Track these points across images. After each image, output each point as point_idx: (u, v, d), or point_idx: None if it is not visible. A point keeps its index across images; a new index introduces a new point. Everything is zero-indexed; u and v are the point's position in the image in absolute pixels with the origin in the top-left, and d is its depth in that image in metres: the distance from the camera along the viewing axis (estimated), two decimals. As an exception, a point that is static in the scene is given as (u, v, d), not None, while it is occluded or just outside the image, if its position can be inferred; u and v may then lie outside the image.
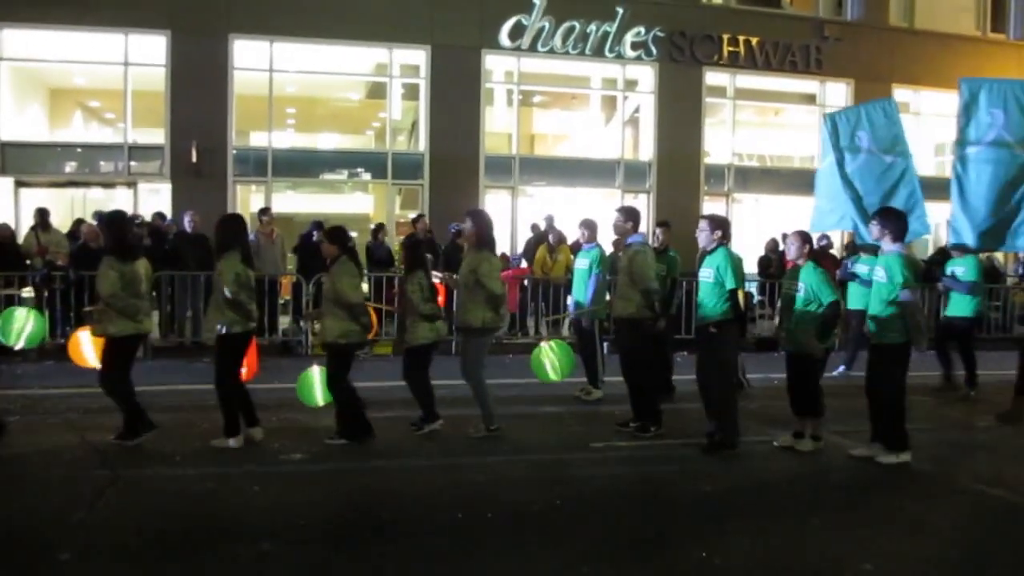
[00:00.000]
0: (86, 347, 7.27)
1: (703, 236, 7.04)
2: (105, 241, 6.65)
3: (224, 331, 6.59)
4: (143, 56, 16.49)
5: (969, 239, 9.41)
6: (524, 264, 14.23)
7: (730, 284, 6.77)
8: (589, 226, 9.05)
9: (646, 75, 19.05)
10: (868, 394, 6.84)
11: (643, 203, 18.96)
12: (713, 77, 19.25)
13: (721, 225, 7.09)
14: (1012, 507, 5.83)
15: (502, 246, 16.44)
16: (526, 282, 13.41)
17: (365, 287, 12.68)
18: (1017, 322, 13.80)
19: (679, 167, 18.84)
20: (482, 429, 7.25)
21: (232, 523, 5.07)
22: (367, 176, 18.83)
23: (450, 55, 17.49)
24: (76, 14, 15.62)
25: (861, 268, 10.26)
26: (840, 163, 10.26)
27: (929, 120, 19.81)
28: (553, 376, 8.21)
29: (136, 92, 16.68)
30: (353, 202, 21.52)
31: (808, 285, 6.82)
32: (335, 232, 7.11)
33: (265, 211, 13.30)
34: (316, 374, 7.26)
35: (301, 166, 18.53)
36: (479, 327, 7.14)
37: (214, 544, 4.70)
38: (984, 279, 10.81)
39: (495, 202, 18.23)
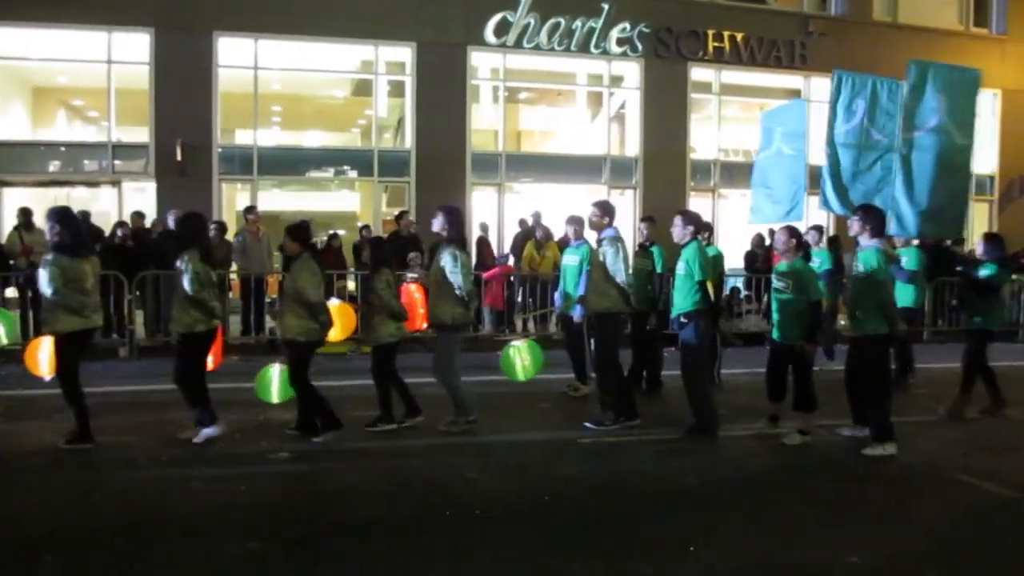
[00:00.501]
0: (43, 353, 7.10)
1: (676, 231, 7.36)
2: (57, 237, 6.61)
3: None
4: (127, 54, 16.40)
5: (910, 226, 9.38)
6: (512, 261, 14.21)
7: (699, 276, 7.07)
8: (577, 222, 9.04)
9: (632, 71, 19.07)
10: (847, 382, 7.09)
11: (629, 199, 19.02)
12: (698, 73, 19.31)
13: (694, 220, 7.41)
14: (1001, 499, 5.86)
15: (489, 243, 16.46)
16: (513, 278, 13.40)
17: (352, 285, 12.73)
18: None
19: (665, 163, 18.88)
20: (462, 423, 7.25)
21: (220, 523, 5.04)
22: (353, 174, 18.80)
23: (436, 52, 17.47)
24: (59, 12, 15.50)
25: (813, 261, 10.29)
26: (831, 123, 10.17)
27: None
28: (521, 376, 8.19)
29: (120, 90, 16.60)
30: (339, 200, 21.49)
31: (795, 281, 6.96)
32: (297, 229, 7.08)
33: (251, 209, 13.25)
34: (275, 372, 7.31)
35: (287, 164, 18.47)
36: (449, 323, 7.16)
37: (202, 544, 4.68)
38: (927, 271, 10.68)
39: (482, 199, 18.25)
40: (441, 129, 17.54)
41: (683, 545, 4.71)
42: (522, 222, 15.16)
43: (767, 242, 14.22)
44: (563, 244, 10.99)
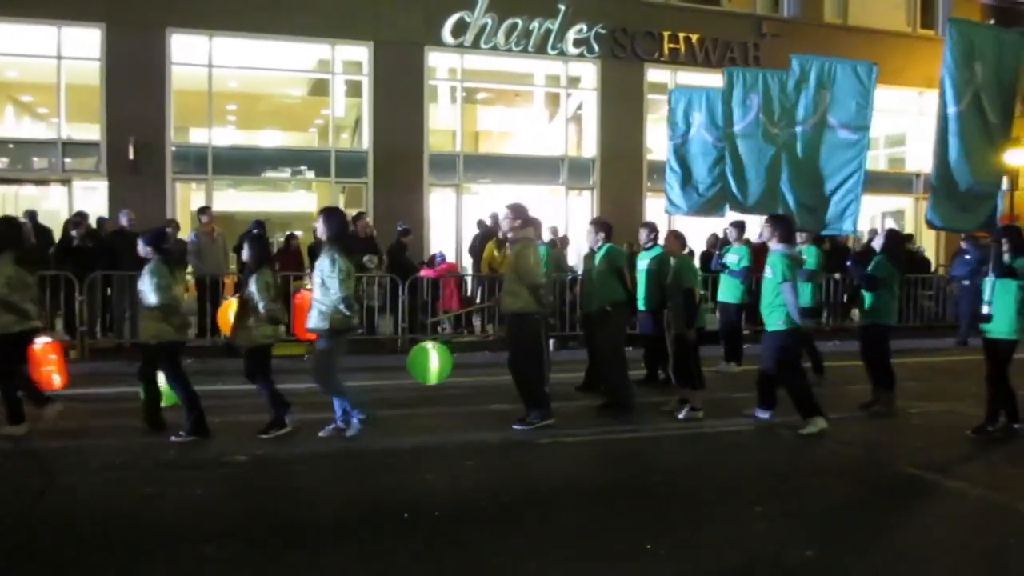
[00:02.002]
0: None
1: (590, 237, 8.69)
2: None
3: None
4: (77, 49, 16.08)
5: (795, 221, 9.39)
6: (469, 262, 14.19)
7: (617, 265, 8.40)
8: (536, 224, 9.05)
9: (588, 72, 19.20)
10: (760, 373, 7.78)
11: (587, 199, 19.14)
12: (654, 74, 19.49)
13: (604, 227, 8.71)
14: (946, 490, 6.03)
15: (447, 244, 16.49)
16: (468, 278, 13.36)
17: (309, 285, 12.62)
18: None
19: (622, 163, 19.04)
20: (330, 431, 7.13)
21: (174, 527, 5.01)
22: (310, 174, 18.66)
23: (393, 52, 17.42)
24: (7, 5, 15.17)
25: (731, 258, 10.55)
26: (728, 120, 10.03)
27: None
28: (430, 379, 8.05)
29: (70, 86, 16.28)
30: (296, 200, 21.30)
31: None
32: (148, 234, 7.26)
33: (205, 210, 13.08)
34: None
35: (242, 164, 18.24)
36: (328, 327, 6.95)
37: (155, 548, 4.64)
38: (824, 268, 10.89)
39: (440, 200, 18.23)
40: (399, 129, 17.49)
41: (638, 540, 4.77)
42: (480, 223, 15.18)
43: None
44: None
